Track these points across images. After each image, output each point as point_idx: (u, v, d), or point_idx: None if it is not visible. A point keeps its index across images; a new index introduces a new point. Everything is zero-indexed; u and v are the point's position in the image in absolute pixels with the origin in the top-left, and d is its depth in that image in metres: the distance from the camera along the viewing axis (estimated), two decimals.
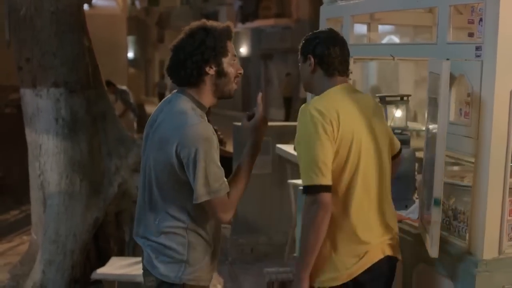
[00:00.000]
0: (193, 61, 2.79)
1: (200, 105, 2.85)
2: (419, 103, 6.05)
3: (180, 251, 2.84)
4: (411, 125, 4.43)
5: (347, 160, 2.81)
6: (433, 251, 2.89)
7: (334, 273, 2.86)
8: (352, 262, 2.85)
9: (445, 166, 3.17)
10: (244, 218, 7.08)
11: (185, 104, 2.81)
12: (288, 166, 6.53)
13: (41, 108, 5.83)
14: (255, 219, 7.07)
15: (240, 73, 2.91)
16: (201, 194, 2.71)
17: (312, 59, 2.96)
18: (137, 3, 36.65)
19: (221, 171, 2.75)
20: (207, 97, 2.89)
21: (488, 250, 2.90)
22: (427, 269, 3.17)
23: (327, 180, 2.75)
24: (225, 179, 2.77)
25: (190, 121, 2.72)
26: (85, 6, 7.12)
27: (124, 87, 11.70)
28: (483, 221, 2.88)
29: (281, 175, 6.92)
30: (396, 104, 4.06)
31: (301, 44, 3.05)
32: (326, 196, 2.74)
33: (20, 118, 6.19)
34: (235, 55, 2.90)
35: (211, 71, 2.82)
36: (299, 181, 4.97)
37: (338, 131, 2.78)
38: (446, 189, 3.18)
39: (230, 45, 2.88)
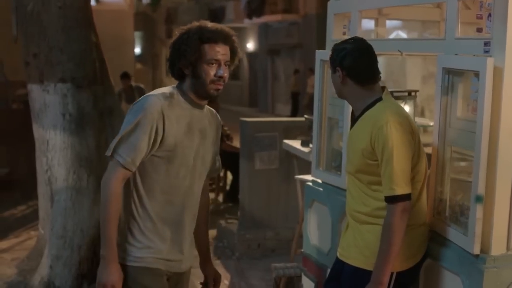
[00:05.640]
0: (170, 60, 2.95)
1: (189, 99, 2.94)
2: (426, 98, 6.04)
3: (120, 230, 2.90)
4: (419, 120, 4.41)
5: (417, 165, 3.08)
6: (475, 248, 2.89)
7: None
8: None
9: (452, 161, 3.17)
10: (251, 214, 7.08)
11: (169, 89, 2.95)
12: (295, 161, 6.53)
13: (48, 103, 5.83)
14: (262, 214, 7.07)
15: (219, 77, 2.89)
16: (110, 147, 2.81)
17: (341, 72, 3.09)
18: None
19: (137, 149, 2.78)
20: (192, 94, 2.95)
21: (496, 246, 2.89)
22: (434, 265, 3.16)
23: (410, 189, 2.99)
24: (136, 157, 2.80)
25: (148, 94, 2.89)
26: (92, 2, 7.15)
27: (141, 85, 11.72)
28: (491, 217, 2.87)
29: (288, 170, 6.91)
30: (403, 99, 4.05)
31: (330, 53, 3.19)
32: (410, 203, 2.98)
33: (28, 113, 6.20)
34: (215, 59, 2.88)
35: (187, 71, 2.91)
36: (306, 177, 4.98)
37: (414, 140, 3.03)
38: (453, 185, 3.17)
39: (208, 48, 2.88)
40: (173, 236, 2.97)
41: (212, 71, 2.88)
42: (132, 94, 10.95)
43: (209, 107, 3.13)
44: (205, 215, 3.28)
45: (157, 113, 2.80)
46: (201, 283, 3.29)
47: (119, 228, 2.87)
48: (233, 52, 2.98)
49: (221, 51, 2.90)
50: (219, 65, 2.89)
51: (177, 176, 2.92)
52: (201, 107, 3.00)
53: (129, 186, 2.92)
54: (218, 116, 3.21)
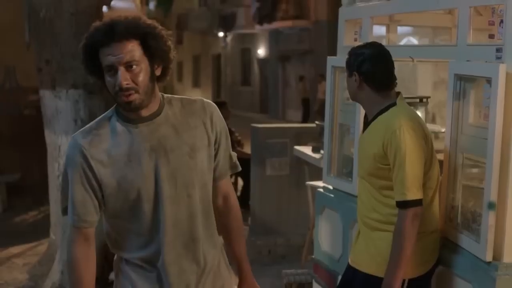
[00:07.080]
0: None
1: (125, 117, 2.43)
2: (437, 104, 6.01)
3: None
4: (430, 127, 4.39)
5: (429, 171, 3.06)
6: (488, 255, 2.88)
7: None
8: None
9: (464, 168, 3.16)
10: (261, 220, 7.08)
11: (104, 114, 2.52)
12: (306, 168, 6.52)
13: (60, 109, 5.86)
14: (273, 220, 7.06)
15: (120, 88, 2.31)
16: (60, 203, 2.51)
17: (358, 76, 3.07)
18: (151, 5, 36.76)
19: (76, 203, 2.41)
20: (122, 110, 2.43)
21: (509, 253, 2.87)
22: (446, 272, 3.14)
23: (421, 194, 2.97)
24: (81, 212, 2.44)
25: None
26: (104, 8, 7.16)
27: None
28: (504, 224, 2.86)
29: (298, 177, 6.90)
30: (415, 106, 4.04)
31: (347, 58, 3.17)
32: (421, 209, 2.96)
33: (40, 119, 6.23)
34: (107, 65, 2.33)
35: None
36: (317, 183, 4.96)
37: (427, 146, 3.02)
38: (465, 191, 3.16)
39: (101, 54, 2.35)
40: (174, 278, 2.51)
41: (113, 81, 2.33)
42: None
43: (182, 99, 2.52)
44: (233, 226, 2.91)
45: (78, 157, 2.36)
46: None
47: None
48: (146, 44, 2.35)
49: (113, 53, 2.29)
50: (115, 71, 2.31)
51: (143, 213, 2.43)
52: (146, 119, 2.40)
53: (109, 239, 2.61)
54: (203, 105, 2.52)
